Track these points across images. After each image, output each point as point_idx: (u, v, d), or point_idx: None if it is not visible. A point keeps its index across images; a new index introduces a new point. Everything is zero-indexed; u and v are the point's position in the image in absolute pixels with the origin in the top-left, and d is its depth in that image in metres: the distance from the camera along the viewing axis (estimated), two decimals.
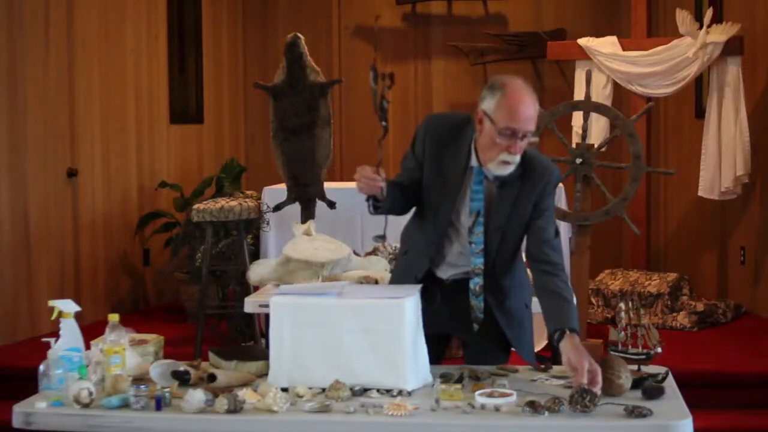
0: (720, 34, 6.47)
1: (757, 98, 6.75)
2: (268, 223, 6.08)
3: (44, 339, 3.01)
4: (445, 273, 3.33)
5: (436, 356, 3.32)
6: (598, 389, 2.81)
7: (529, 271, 3.34)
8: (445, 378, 3.01)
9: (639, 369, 3.07)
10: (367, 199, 3.20)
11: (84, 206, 6.83)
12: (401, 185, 3.28)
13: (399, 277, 3.43)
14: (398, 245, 4.81)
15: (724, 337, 6.20)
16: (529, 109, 3.06)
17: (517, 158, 3.11)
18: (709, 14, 6.49)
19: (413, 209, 3.39)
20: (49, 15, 6.44)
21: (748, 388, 5.27)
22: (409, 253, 3.41)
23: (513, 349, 3.39)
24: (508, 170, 3.13)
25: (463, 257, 3.29)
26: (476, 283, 3.28)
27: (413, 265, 3.35)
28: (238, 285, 6.27)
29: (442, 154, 3.23)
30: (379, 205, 3.20)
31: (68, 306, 3.11)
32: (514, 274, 3.34)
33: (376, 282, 4.12)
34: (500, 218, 3.21)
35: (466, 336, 3.41)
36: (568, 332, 2.98)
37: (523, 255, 3.37)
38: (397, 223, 3.42)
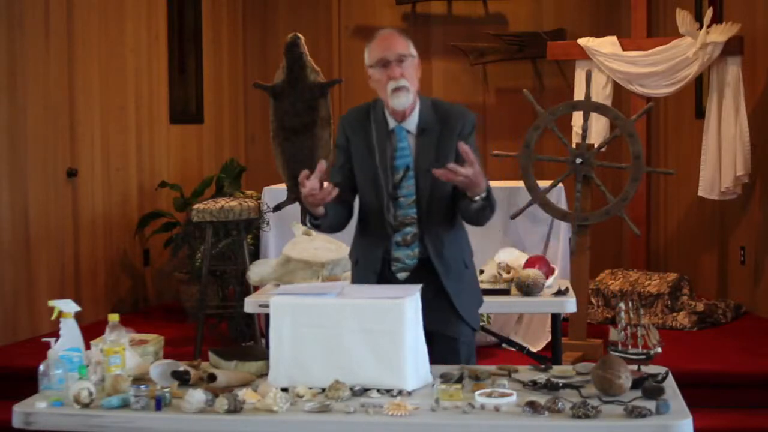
0: (720, 34, 6.46)
1: (757, 98, 6.75)
2: (268, 223, 6.08)
3: (44, 339, 3.01)
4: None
5: None
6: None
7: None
8: (445, 378, 3.01)
9: (639, 369, 3.06)
10: (307, 216, 3.37)
11: (84, 206, 6.83)
12: (338, 189, 3.37)
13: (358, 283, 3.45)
14: None
15: (724, 337, 6.20)
16: (389, 38, 3.31)
17: (402, 81, 3.28)
18: (709, 14, 6.48)
19: (354, 223, 3.49)
20: (49, 15, 6.44)
21: (748, 388, 5.27)
22: (360, 261, 3.46)
23: (455, 308, 3.38)
24: (404, 97, 3.30)
25: None
26: (406, 233, 3.34)
27: (369, 266, 3.39)
28: (238, 285, 6.27)
29: (365, 133, 3.38)
30: (317, 223, 3.36)
31: (68, 306, 3.11)
32: (451, 228, 3.41)
33: None
34: (428, 161, 3.32)
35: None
36: None
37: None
38: None
